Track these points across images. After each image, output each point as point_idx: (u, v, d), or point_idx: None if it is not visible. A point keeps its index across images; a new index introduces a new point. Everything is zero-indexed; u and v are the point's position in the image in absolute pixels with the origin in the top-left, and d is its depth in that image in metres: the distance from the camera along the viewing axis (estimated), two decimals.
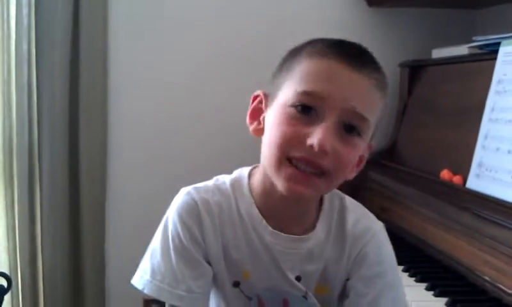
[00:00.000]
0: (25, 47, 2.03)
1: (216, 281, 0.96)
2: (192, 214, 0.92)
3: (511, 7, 2.00)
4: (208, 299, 0.95)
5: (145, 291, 0.92)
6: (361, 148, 0.88)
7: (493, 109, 1.56)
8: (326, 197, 0.96)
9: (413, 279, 1.37)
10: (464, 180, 1.56)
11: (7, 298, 1.97)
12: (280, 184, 0.85)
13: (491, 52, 1.70)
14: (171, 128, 2.18)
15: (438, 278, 1.36)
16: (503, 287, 1.23)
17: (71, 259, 2.14)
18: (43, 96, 2.07)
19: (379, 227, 0.99)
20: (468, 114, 1.67)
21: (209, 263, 0.94)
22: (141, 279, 0.94)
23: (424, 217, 1.59)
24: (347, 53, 0.84)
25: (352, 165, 0.87)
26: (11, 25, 2.02)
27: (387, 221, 1.80)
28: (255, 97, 0.94)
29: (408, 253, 1.56)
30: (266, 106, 0.91)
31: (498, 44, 1.62)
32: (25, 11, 2.01)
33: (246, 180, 0.95)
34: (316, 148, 0.80)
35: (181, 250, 0.91)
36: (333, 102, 0.82)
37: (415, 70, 2.12)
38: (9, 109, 2.04)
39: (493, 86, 1.58)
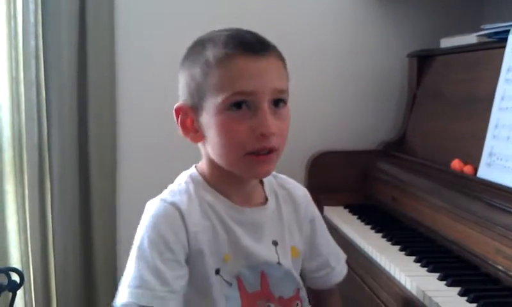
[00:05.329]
0: (32, 43, 2.03)
1: (201, 276, 1.00)
2: (175, 218, 0.98)
3: None
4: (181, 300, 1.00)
5: (127, 300, 0.95)
6: (289, 114, 1.02)
7: (503, 98, 1.54)
8: None
9: (425, 269, 1.36)
10: (475, 170, 1.56)
11: (19, 293, 1.99)
12: (246, 174, 1.01)
13: (500, 40, 1.69)
14: None
15: (450, 268, 1.35)
16: None
17: (82, 253, 2.15)
18: (52, 91, 2.07)
19: (306, 190, 1.18)
20: (478, 103, 1.66)
21: (191, 261, 0.99)
22: (122, 294, 0.97)
23: (435, 207, 1.58)
24: (248, 46, 0.95)
25: (288, 129, 1.01)
26: (18, 22, 2.02)
27: (398, 211, 1.82)
28: (178, 110, 1.02)
29: (419, 243, 1.55)
30: (195, 114, 1.00)
31: (507, 32, 1.61)
32: (32, 7, 2.02)
33: (200, 177, 1.05)
34: (267, 134, 0.94)
35: (164, 253, 0.96)
36: (259, 92, 0.94)
37: (423, 60, 2.10)
38: (18, 106, 2.05)
39: (503, 75, 1.56)
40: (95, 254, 2.15)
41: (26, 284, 2.06)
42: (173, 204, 0.99)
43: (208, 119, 0.97)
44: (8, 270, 1.78)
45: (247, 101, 0.94)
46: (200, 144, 1.05)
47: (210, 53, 0.97)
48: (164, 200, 1.01)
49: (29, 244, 2.08)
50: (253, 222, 1.05)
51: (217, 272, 1.01)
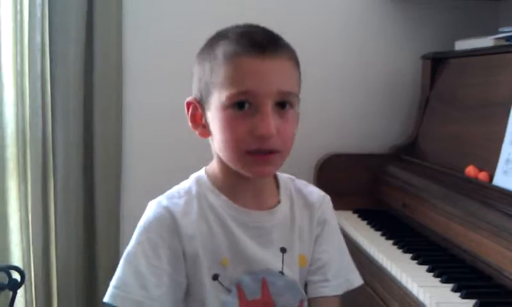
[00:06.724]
0: (38, 38, 2.00)
1: (195, 280, 0.98)
2: (166, 223, 0.97)
3: None
4: None
5: (105, 300, 0.96)
6: (296, 115, 0.99)
7: None
8: (280, 179, 1.08)
9: (439, 279, 1.32)
10: (491, 177, 1.51)
11: (20, 292, 1.96)
12: (247, 172, 0.97)
13: None
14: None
15: (464, 279, 1.30)
16: None
17: (84, 253, 2.12)
18: (57, 87, 2.04)
19: (328, 197, 1.12)
20: (494, 108, 1.61)
21: (187, 265, 0.98)
22: (107, 291, 0.97)
23: (448, 214, 1.53)
24: (257, 45, 0.93)
25: (294, 132, 0.99)
26: (24, 16, 2.00)
27: (410, 218, 1.77)
28: (189, 104, 1.02)
29: (431, 252, 1.51)
30: (203, 110, 1.00)
31: None
32: (38, 1, 1.99)
33: (205, 177, 1.04)
34: (265, 136, 0.92)
35: (150, 258, 0.95)
36: (263, 93, 0.92)
37: (437, 63, 2.06)
38: (23, 101, 2.02)
39: None
40: (98, 253, 2.12)
41: (27, 283, 2.03)
42: (167, 209, 0.98)
43: (213, 116, 0.97)
44: (8, 269, 1.76)
45: (250, 101, 0.93)
46: (209, 140, 1.03)
47: (220, 49, 0.96)
48: (160, 203, 1.00)
49: (31, 242, 2.05)
50: (259, 226, 1.01)
51: (216, 277, 0.98)
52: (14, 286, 1.75)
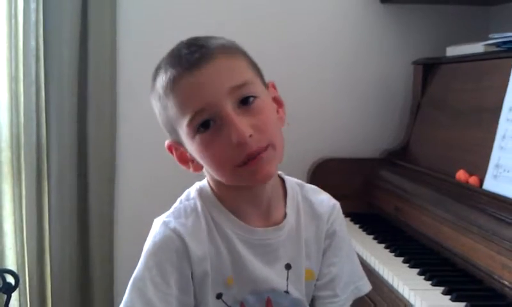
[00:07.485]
0: (33, 42, 2.01)
1: (199, 300, 0.94)
2: (175, 246, 0.92)
3: None
4: None
5: None
6: (266, 100, 0.92)
7: (511, 109, 1.52)
8: (288, 186, 1.01)
9: (429, 282, 1.34)
10: (481, 181, 1.53)
11: (14, 295, 1.96)
12: (249, 182, 0.91)
13: (508, 49, 1.67)
14: None
15: (454, 282, 1.32)
16: None
17: (79, 256, 2.12)
18: (51, 92, 2.05)
19: (338, 204, 1.05)
20: (485, 114, 1.63)
21: (196, 285, 0.94)
22: None
23: (439, 218, 1.55)
24: (184, 63, 0.89)
25: (273, 118, 0.92)
26: (19, 21, 2.00)
27: (401, 222, 1.79)
28: (170, 148, 0.98)
29: (423, 255, 1.53)
30: (183, 146, 0.95)
31: None
32: (33, 6, 2.00)
33: (208, 188, 0.98)
34: (242, 141, 0.85)
35: (159, 284, 0.91)
36: (216, 101, 0.86)
37: (428, 68, 2.08)
38: (17, 106, 2.03)
39: (511, 85, 1.54)
40: (92, 256, 2.12)
41: (21, 286, 2.03)
42: (175, 231, 0.92)
43: (189, 147, 0.93)
44: (2, 272, 1.76)
45: (210, 116, 0.87)
46: (204, 171, 0.97)
47: (159, 85, 0.92)
48: (167, 224, 0.93)
49: (25, 246, 2.05)
50: (265, 244, 0.96)
51: (219, 296, 0.94)
52: (8, 289, 1.75)
